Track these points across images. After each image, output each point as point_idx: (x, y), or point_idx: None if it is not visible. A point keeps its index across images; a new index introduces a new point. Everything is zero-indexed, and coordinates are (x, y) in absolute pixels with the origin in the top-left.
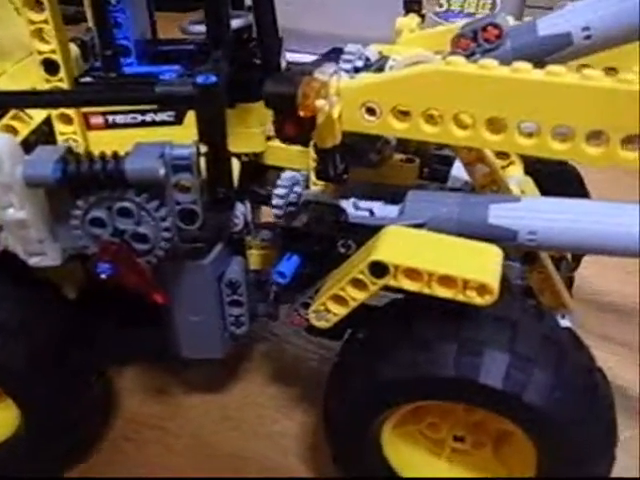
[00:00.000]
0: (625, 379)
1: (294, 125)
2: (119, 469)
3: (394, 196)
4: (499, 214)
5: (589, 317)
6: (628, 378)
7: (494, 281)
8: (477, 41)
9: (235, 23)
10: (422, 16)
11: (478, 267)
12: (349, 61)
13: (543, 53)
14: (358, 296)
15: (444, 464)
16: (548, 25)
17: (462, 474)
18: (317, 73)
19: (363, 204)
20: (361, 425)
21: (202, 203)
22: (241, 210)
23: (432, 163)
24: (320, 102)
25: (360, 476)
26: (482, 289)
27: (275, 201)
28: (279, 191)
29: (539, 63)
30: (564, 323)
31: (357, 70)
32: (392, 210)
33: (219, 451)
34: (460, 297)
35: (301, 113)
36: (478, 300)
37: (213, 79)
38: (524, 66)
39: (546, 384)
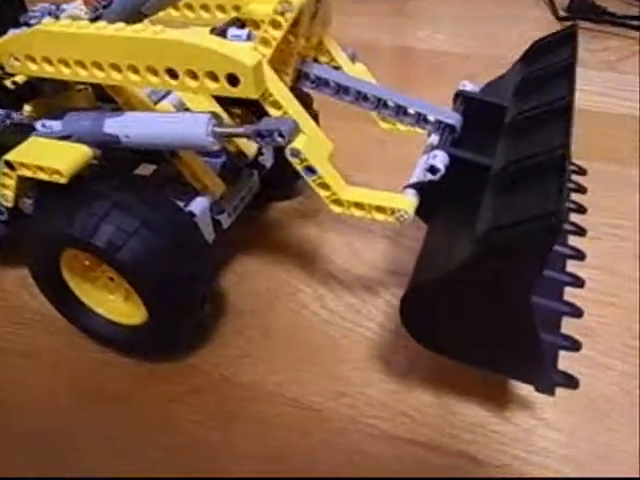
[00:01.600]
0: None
1: None
2: None
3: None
4: (109, 125)
5: None
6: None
7: (64, 167)
8: None
9: None
10: None
11: (62, 160)
12: (33, 17)
13: (139, 4)
14: (8, 182)
15: (108, 295)
16: None
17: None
18: None
19: (46, 123)
20: (45, 265)
21: None
22: None
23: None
24: None
25: (55, 299)
26: (57, 173)
27: None
28: None
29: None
30: (202, 199)
31: None
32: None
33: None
34: (47, 178)
35: None
36: (57, 179)
37: None
38: (84, 24)
39: (121, 235)
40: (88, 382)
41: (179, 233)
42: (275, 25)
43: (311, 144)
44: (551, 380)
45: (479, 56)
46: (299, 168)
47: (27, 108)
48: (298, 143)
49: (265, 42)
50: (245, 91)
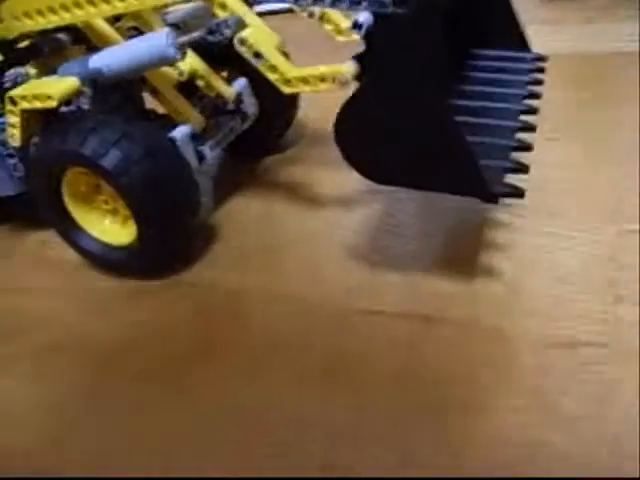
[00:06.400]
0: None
1: None
2: None
3: None
4: (93, 61)
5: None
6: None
7: (55, 92)
8: None
9: None
10: None
11: (54, 87)
12: None
13: None
14: (13, 120)
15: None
16: None
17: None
18: None
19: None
20: (48, 186)
21: None
22: None
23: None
24: None
25: (55, 221)
26: (50, 97)
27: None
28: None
29: None
30: (182, 128)
31: None
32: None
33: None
34: (41, 105)
35: None
36: (50, 103)
37: None
38: None
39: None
40: (95, 305)
41: (164, 155)
42: None
43: (257, 34)
44: (495, 190)
45: None
46: (248, 56)
47: (32, 70)
48: (244, 32)
49: None
50: None
